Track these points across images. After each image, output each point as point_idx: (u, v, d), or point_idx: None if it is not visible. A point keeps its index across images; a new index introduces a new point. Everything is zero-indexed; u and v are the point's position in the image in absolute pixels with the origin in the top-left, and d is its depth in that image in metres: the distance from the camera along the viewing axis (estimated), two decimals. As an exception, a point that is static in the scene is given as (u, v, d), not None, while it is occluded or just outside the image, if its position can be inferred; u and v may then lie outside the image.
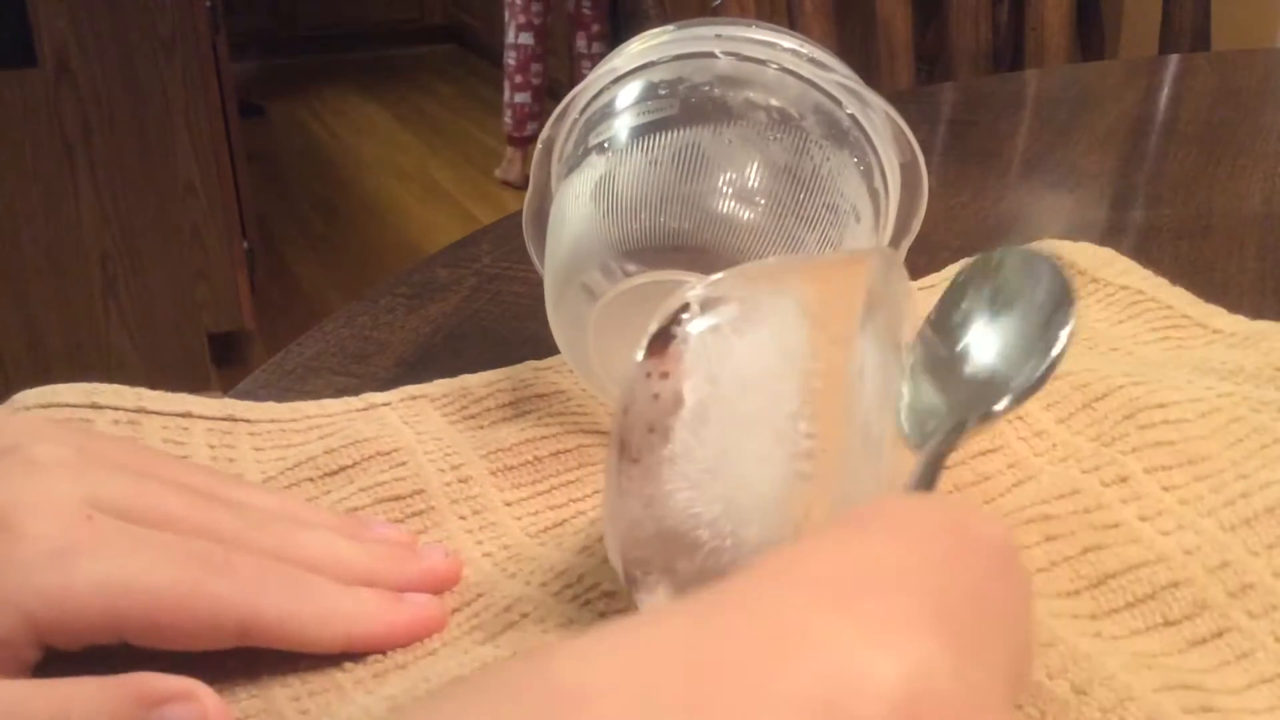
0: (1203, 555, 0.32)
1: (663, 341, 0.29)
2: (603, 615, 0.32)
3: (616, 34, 3.16)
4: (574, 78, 3.17)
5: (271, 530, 0.32)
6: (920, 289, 0.52)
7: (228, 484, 0.34)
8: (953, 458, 0.38)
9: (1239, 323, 0.48)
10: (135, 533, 0.29)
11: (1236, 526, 0.33)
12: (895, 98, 0.43)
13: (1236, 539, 0.33)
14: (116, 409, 0.40)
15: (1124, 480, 0.35)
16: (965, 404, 0.32)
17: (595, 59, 3.12)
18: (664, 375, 0.28)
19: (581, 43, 3.20)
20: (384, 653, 0.31)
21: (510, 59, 3.14)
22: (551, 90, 3.52)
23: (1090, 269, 0.53)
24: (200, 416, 0.40)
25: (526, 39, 3.11)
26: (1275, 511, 0.34)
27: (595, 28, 3.18)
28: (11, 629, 0.27)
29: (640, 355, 0.29)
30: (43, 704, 0.26)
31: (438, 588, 0.33)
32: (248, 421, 0.41)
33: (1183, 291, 0.51)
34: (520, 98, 3.15)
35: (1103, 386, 0.40)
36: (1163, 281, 0.52)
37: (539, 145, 0.43)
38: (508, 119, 3.20)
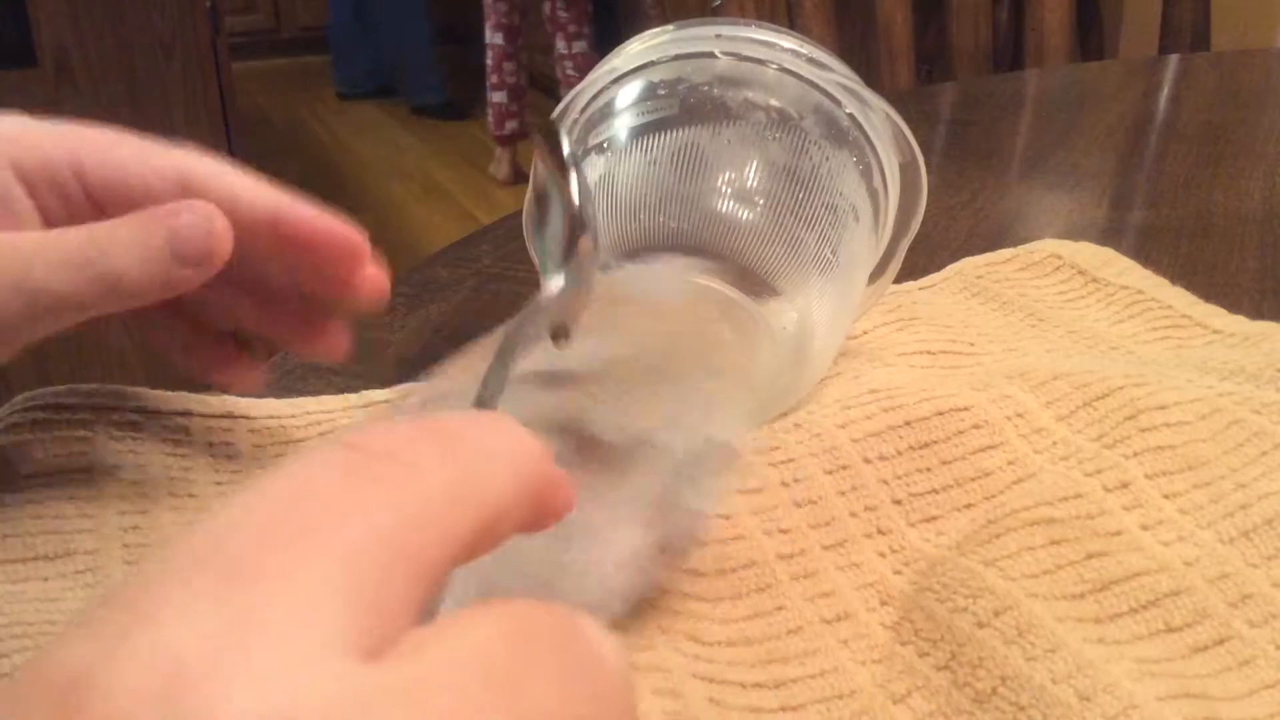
0: (1202, 567, 0.33)
1: None
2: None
3: (599, 34, 3.16)
4: (560, 79, 3.17)
5: None
6: (920, 289, 0.52)
7: None
8: (951, 452, 0.38)
9: (1239, 323, 0.48)
10: None
11: (1235, 539, 0.34)
12: (895, 98, 0.43)
13: (1235, 551, 0.33)
14: (117, 409, 0.40)
15: (1125, 486, 0.36)
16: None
17: (576, 59, 3.10)
18: None
19: (561, 44, 3.17)
20: None
21: (487, 59, 3.16)
22: (550, 89, 3.53)
23: (1090, 269, 0.53)
24: (200, 415, 0.40)
25: (497, 39, 3.12)
26: (1274, 524, 0.34)
27: (572, 28, 3.15)
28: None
29: None
30: (90, 227, 0.32)
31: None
32: (248, 418, 0.41)
33: (1183, 291, 0.51)
34: (498, 97, 3.16)
35: (1102, 386, 0.40)
36: (1163, 281, 0.52)
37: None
38: (490, 118, 3.22)
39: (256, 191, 0.35)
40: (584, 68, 2.91)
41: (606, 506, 0.29)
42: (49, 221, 0.35)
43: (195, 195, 0.34)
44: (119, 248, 0.32)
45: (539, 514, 0.20)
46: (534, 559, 0.28)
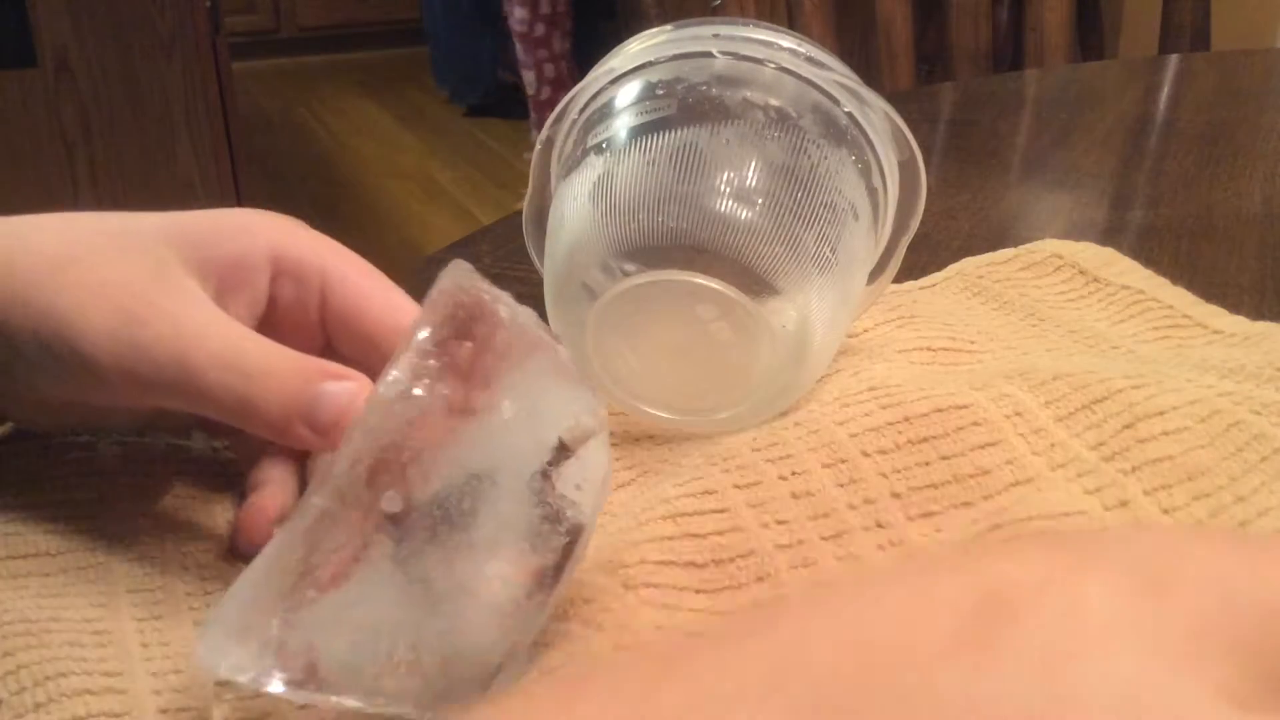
0: None
1: None
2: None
3: (591, 38, 3.16)
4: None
5: None
6: (920, 288, 0.52)
7: None
8: (950, 448, 0.38)
9: (1240, 323, 0.48)
10: None
11: None
12: (895, 98, 0.43)
13: None
14: None
15: (1124, 504, 0.36)
16: None
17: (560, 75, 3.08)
18: None
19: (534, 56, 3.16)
20: None
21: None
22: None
23: (1091, 269, 0.53)
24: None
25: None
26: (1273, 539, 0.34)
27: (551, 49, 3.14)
28: (254, 250, 0.34)
29: None
30: (255, 339, 0.32)
31: None
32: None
33: (1183, 291, 0.51)
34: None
35: (1102, 389, 0.40)
36: (1164, 281, 0.52)
37: (538, 145, 0.43)
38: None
39: None
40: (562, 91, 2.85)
41: (463, 557, 0.27)
42: (274, 314, 0.35)
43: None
44: (271, 380, 0.31)
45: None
46: (407, 633, 0.27)
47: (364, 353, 0.35)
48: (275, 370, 0.31)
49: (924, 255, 0.56)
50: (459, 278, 0.29)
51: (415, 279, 0.56)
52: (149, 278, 0.32)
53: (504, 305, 0.29)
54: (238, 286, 0.34)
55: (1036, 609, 0.16)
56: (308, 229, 0.36)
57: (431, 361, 0.27)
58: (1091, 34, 1.26)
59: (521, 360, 0.29)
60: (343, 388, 0.31)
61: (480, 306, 0.29)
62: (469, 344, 0.28)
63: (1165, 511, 0.35)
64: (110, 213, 0.35)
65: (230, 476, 0.38)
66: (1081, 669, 0.15)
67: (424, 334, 0.27)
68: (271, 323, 0.35)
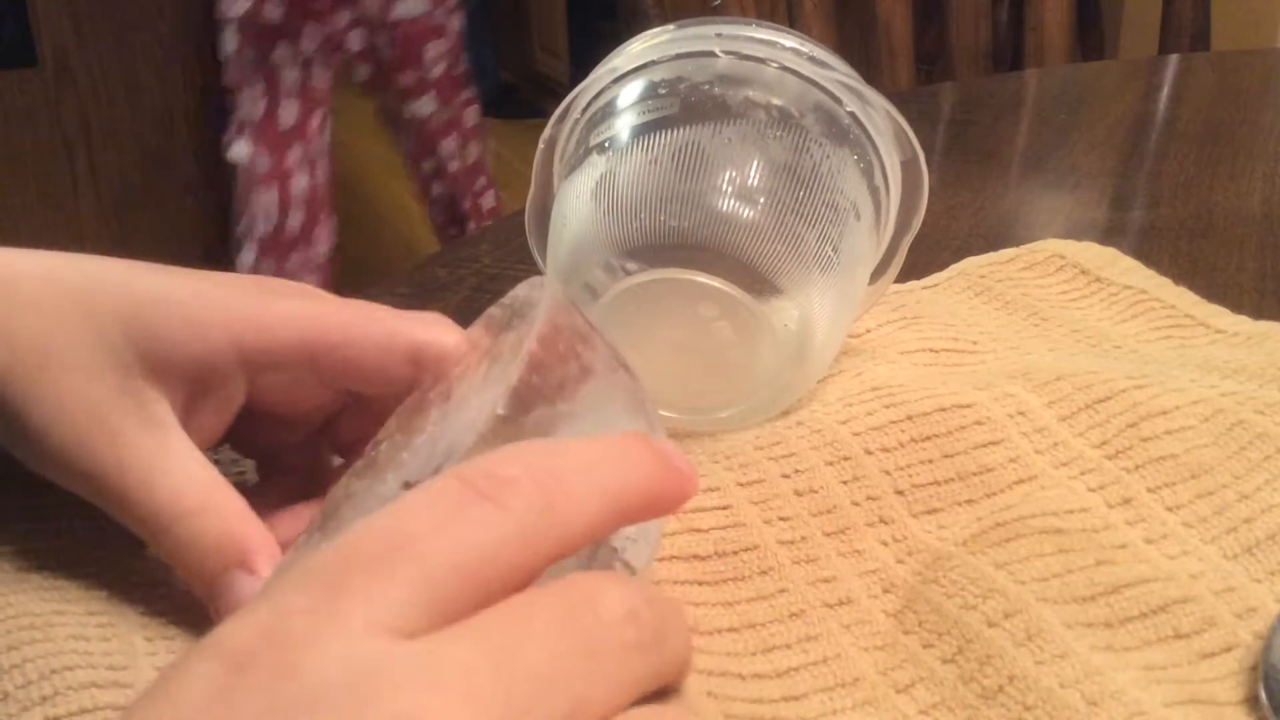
0: (1207, 580, 0.33)
1: None
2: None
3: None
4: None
5: None
6: (923, 288, 0.52)
7: None
8: (953, 446, 0.38)
9: (1242, 323, 0.48)
10: None
11: (1239, 555, 0.34)
12: (895, 97, 0.43)
13: (1239, 567, 0.34)
14: None
15: (1128, 502, 0.36)
16: None
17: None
18: None
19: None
20: None
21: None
22: (549, 89, 3.51)
23: (1094, 269, 0.53)
24: None
25: None
26: (1277, 538, 0.34)
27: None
28: (219, 352, 0.32)
29: None
30: (189, 502, 0.31)
31: None
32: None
33: (1186, 291, 0.51)
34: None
35: (1105, 389, 0.40)
36: (1166, 281, 0.52)
37: (541, 145, 0.43)
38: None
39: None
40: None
41: None
42: (261, 402, 0.34)
43: (425, 373, 0.33)
44: (191, 554, 0.31)
45: (653, 509, 0.24)
46: None
47: (387, 384, 0.34)
48: (196, 541, 0.31)
49: (923, 255, 0.56)
50: (555, 297, 0.28)
51: (415, 279, 0.56)
52: (118, 406, 0.32)
53: (597, 332, 0.29)
54: (205, 391, 0.33)
55: (265, 657, 0.19)
56: (277, 293, 0.34)
57: (535, 379, 0.27)
58: (1091, 34, 1.26)
59: (603, 387, 0.28)
60: (249, 585, 0.31)
61: (574, 329, 0.28)
62: (562, 366, 0.28)
63: (1169, 509, 0.36)
64: (79, 266, 0.34)
65: (235, 474, 0.38)
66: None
67: (526, 353, 0.27)
68: (261, 410, 0.35)
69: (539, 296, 0.29)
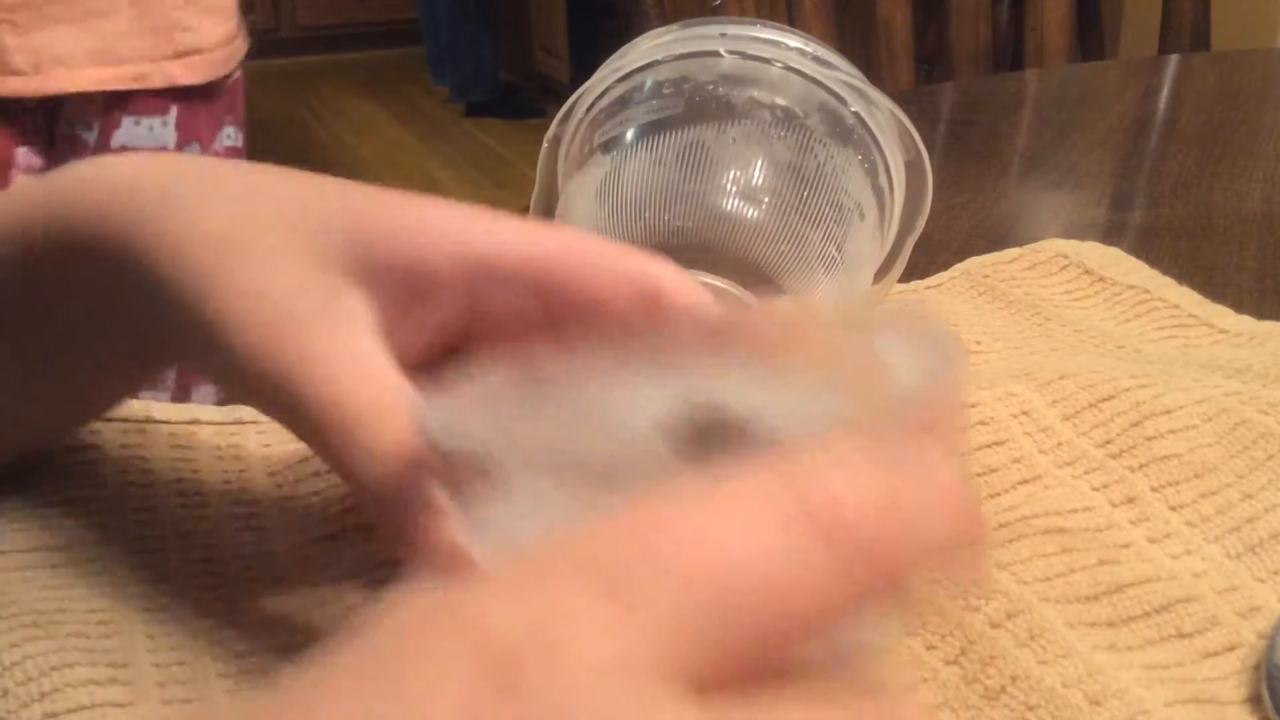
0: (1210, 579, 0.33)
1: None
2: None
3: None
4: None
5: None
6: (926, 288, 0.53)
7: None
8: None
9: (1246, 322, 0.48)
10: None
11: (1242, 554, 0.34)
12: (895, 98, 0.43)
13: (1242, 566, 0.34)
14: (125, 419, 0.40)
15: (1131, 501, 0.36)
16: None
17: None
18: None
19: None
20: None
21: None
22: (551, 89, 3.52)
23: (1097, 268, 0.53)
24: (208, 422, 0.41)
25: None
26: None
27: None
28: (437, 263, 0.29)
29: None
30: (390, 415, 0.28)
31: None
32: (255, 423, 0.41)
33: (1189, 291, 0.51)
34: None
35: (1109, 388, 0.40)
36: (1169, 281, 0.52)
37: (546, 144, 0.43)
38: None
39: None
40: None
41: None
42: (477, 324, 0.31)
43: (659, 310, 0.30)
44: (368, 452, 0.28)
45: (946, 568, 0.19)
46: None
47: (611, 312, 0.30)
48: (376, 448, 0.28)
49: (923, 255, 0.56)
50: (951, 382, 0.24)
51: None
52: (307, 296, 0.29)
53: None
54: (417, 303, 0.30)
55: (533, 666, 0.16)
56: (504, 217, 0.31)
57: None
58: (1091, 34, 1.26)
59: None
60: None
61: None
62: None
63: (1172, 508, 0.36)
64: (292, 178, 0.32)
65: (238, 474, 0.38)
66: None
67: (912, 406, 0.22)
68: (473, 333, 0.31)
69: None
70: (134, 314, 0.32)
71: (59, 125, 1.12)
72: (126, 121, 1.12)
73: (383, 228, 0.30)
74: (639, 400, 0.21)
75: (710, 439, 0.21)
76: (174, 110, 1.15)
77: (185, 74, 1.14)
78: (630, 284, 0.30)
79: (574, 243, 0.30)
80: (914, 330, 0.23)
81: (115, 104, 1.11)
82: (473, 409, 0.22)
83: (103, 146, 1.11)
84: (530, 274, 0.30)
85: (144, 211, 0.30)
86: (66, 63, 1.07)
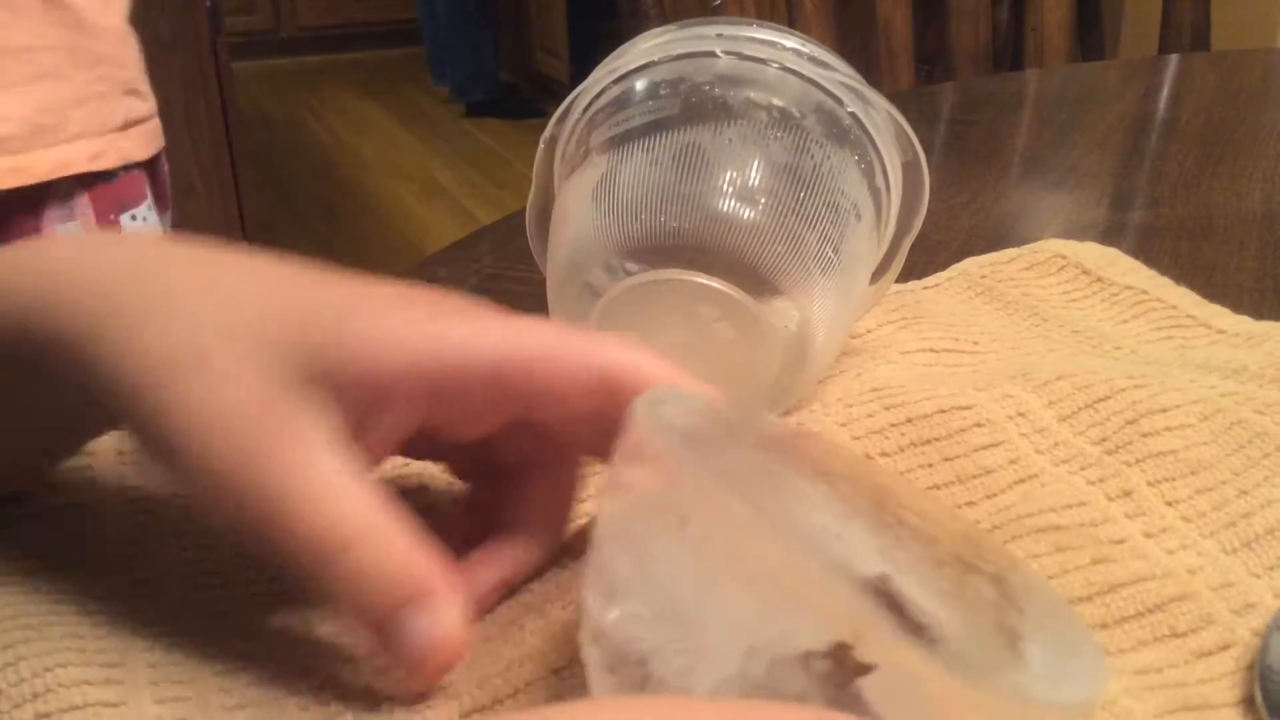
0: (1205, 575, 0.33)
1: None
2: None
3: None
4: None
5: None
6: (924, 288, 0.52)
7: None
8: (953, 449, 0.38)
9: (1243, 323, 0.48)
10: None
11: (1238, 549, 0.34)
12: (895, 98, 0.43)
13: (1238, 561, 0.34)
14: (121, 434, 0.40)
15: (1128, 494, 0.36)
16: None
17: None
18: None
19: None
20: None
21: None
22: (549, 88, 3.51)
23: (1095, 269, 0.53)
24: None
25: None
26: (1276, 534, 0.34)
27: None
28: (397, 370, 0.29)
29: None
30: (366, 528, 0.28)
31: None
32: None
33: (1187, 291, 0.51)
34: None
35: (1105, 388, 0.40)
36: (1167, 281, 0.52)
37: (542, 145, 0.43)
38: None
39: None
40: None
41: None
42: (437, 421, 0.30)
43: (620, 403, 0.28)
44: (364, 580, 0.28)
45: None
46: None
47: (574, 409, 0.31)
48: (360, 575, 0.28)
49: (923, 255, 0.56)
50: None
51: (415, 279, 0.56)
52: (273, 414, 0.28)
53: None
54: (374, 411, 0.29)
55: None
56: (462, 313, 0.31)
57: None
58: (1091, 34, 1.26)
59: None
60: (426, 625, 0.28)
61: None
62: None
63: (1169, 504, 0.36)
64: (252, 275, 0.30)
65: None
66: None
67: None
68: (436, 438, 0.32)
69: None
70: (73, 408, 0.31)
71: None
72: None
73: (345, 340, 0.29)
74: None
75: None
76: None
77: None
78: (592, 376, 0.30)
79: (535, 338, 0.30)
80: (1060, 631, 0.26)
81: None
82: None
83: None
84: (488, 375, 0.30)
85: (91, 313, 0.29)
86: None
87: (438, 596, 0.28)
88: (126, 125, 0.75)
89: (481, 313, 0.31)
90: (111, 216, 0.72)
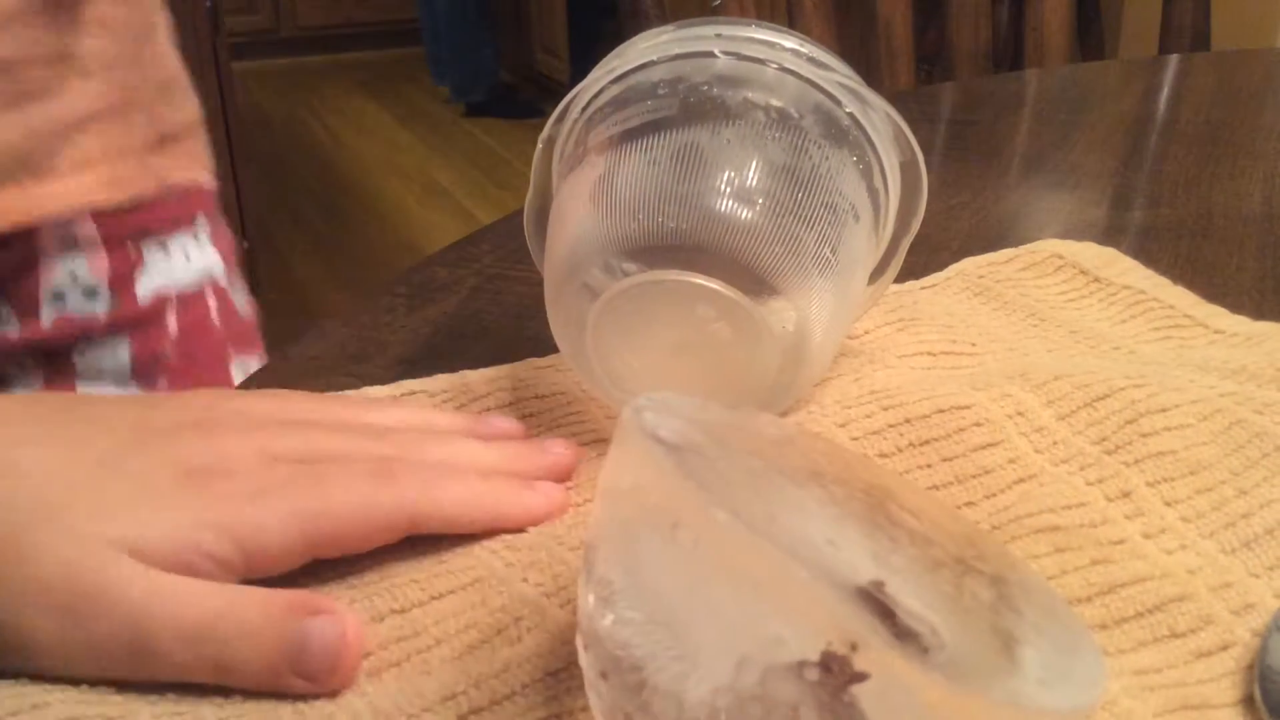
0: (1204, 575, 0.33)
1: None
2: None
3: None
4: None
5: (416, 446, 0.37)
6: (921, 288, 0.52)
7: (370, 411, 0.39)
8: (951, 449, 0.38)
9: (1241, 323, 0.48)
10: (309, 469, 0.34)
11: (1237, 549, 0.34)
12: (895, 98, 0.43)
13: (1237, 561, 0.34)
14: None
15: (1127, 495, 0.36)
16: None
17: None
18: None
19: None
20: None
21: None
22: (549, 89, 3.51)
23: (1093, 269, 0.53)
24: None
25: None
26: (1275, 534, 0.34)
27: None
28: (227, 552, 0.31)
29: None
30: (217, 599, 0.30)
31: (562, 476, 0.38)
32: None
33: (1185, 291, 0.51)
34: None
35: (1104, 388, 0.40)
36: (1165, 281, 0.52)
37: (540, 145, 0.43)
38: None
39: (471, 514, 0.35)
40: None
41: None
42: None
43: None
44: (240, 639, 0.30)
45: None
46: None
47: None
48: (249, 629, 0.30)
49: (923, 255, 0.56)
50: None
51: (415, 279, 0.56)
52: (98, 560, 0.30)
53: None
54: None
55: None
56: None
57: None
58: (1091, 34, 1.25)
59: None
60: (324, 624, 0.30)
61: None
62: None
63: (1168, 504, 0.36)
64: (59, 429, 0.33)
65: None
66: None
67: None
68: None
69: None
70: None
71: None
72: None
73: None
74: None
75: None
76: None
77: None
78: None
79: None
80: (1057, 633, 0.26)
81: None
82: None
83: None
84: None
85: None
86: None
87: (332, 608, 0.31)
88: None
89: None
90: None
